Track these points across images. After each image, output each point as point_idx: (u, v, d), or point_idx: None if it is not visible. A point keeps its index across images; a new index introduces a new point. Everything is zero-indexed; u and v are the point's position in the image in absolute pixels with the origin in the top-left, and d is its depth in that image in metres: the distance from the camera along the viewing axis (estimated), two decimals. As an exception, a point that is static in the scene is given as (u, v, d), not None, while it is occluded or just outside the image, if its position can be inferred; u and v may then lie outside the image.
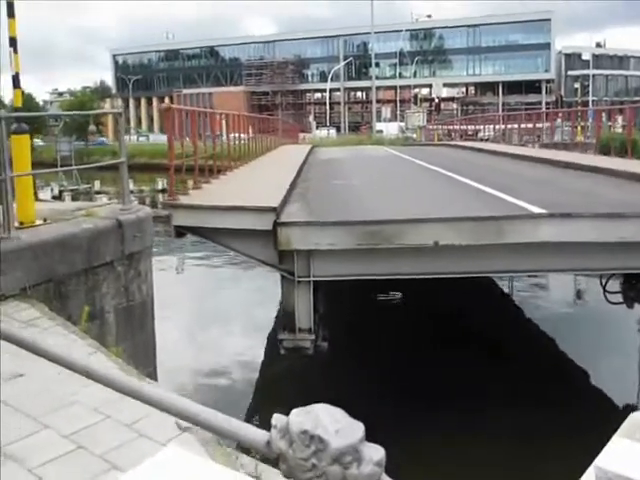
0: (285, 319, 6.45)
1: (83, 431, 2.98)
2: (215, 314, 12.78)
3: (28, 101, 74.77)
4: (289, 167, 12.83)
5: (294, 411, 1.02)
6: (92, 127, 40.90)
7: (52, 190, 30.61)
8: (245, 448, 3.64)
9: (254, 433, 1.09)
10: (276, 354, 9.75)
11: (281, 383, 8.44)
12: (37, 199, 23.34)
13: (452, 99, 76.99)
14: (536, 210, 6.35)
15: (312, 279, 6.24)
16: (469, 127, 33.30)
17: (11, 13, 5.56)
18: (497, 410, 6.79)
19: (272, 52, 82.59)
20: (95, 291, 5.72)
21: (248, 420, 7.30)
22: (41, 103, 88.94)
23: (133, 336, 6.20)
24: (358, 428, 0.98)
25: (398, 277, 6.73)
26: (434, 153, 20.79)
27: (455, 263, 6.34)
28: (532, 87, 72.10)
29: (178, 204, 6.98)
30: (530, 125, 22.98)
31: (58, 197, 29.88)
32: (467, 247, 6.04)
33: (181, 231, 6.95)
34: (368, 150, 25.97)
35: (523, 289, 13.61)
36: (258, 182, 10.57)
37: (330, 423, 0.96)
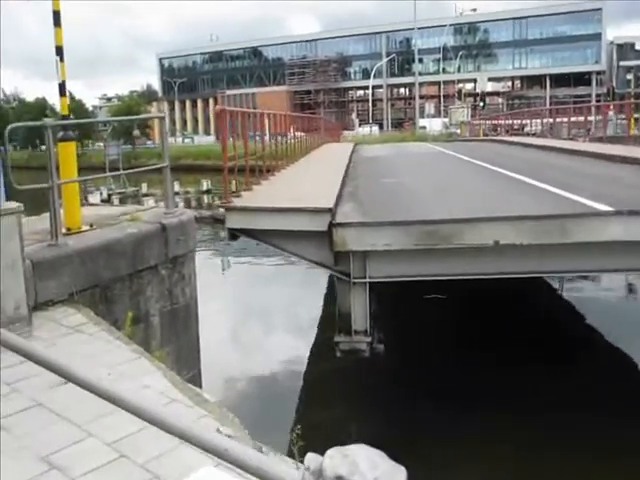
0: (341, 321, 6.36)
1: (125, 439, 2.99)
2: (259, 313, 12.82)
3: (78, 107, 77.06)
4: (336, 166, 12.76)
5: (329, 452, 0.95)
6: (136, 132, 41.81)
7: (101, 193, 31.28)
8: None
9: (285, 473, 1.03)
10: (321, 353, 9.79)
11: (326, 383, 8.40)
12: (87, 203, 23.99)
13: (497, 93, 75.43)
14: (601, 207, 6.08)
15: (368, 280, 6.15)
16: (515, 122, 32.53)
17: (57, 22, 5.67)
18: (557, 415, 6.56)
19: (314, 51, 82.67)
20: (140, 295, 5.79)
21: (294, 423, 7.31)
22: (90, 108, 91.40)
23: (177, 339, 6.26)
24: (399, 473, 0.90)
25: (457, 278, 6.55)
26: (480, 149, 20.37)
27: (516, 263, 6.15)
28: (581, 79, 70.03)
29: (232, 206, 6.96)
30: (580, 118, 22.26)
31: (107, 200, 30.59)
32: (528, 247, 5.84)
33: (235, 233, 6.95)
34: (412, 147, 25.68)
35: (575, 288, 13.18)
36: (307, 182, 10.53)
37: (368, 469, 0.89)
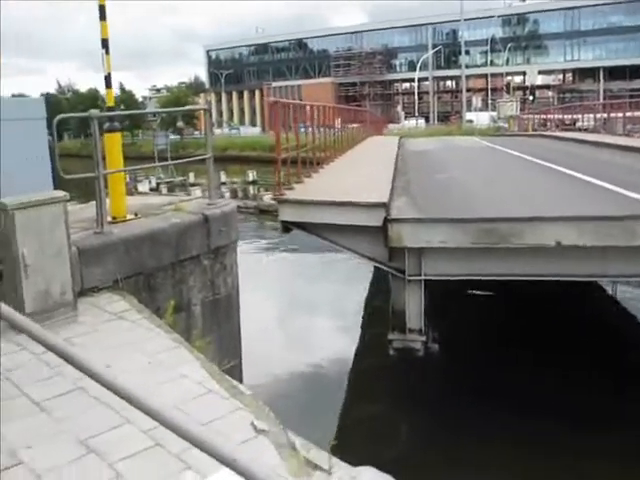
0: (394, 318, 6.27)
1: (161, 427, 3.00)
2: (302, 305, 12.85)
3: (129, 98, 78.87)
4: (384, 159, 12.64)
5: (338, 474, 0.91)
6: (180, 123, 42.48)
7: (150, 182, 31.90)
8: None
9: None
10: (367, 348, 9.73)
11: (371, 378, 8.34)
12: (137, 191, 24.39)
13: (547, 87, 73.40)
14: None
15: (423, 278, 6.04)
16: (566, 116, 31.59)
17: (103, 16, 5.76)
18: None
19: (360, 43, 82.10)
20: (182, 284, 5.86)
21: (341, 418, 7.30)
22: (140, 99, 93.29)
23: (219, 329, 6.31)
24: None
25: (516, 279, 6.34)
26: (530, 144, 19.83)
27: (577, 266, 5.91)
28: (638, 72, 67.43)
29: (285, 199, 6.90)
30: (637, 113, 21.43)
31: (155, 189, 31.19)
32: (591, 248, 5.62)
33: (288, 226, 6.91)
34: (459, 141, 25.23)
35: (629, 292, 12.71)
36: (358, 176, 10.44)
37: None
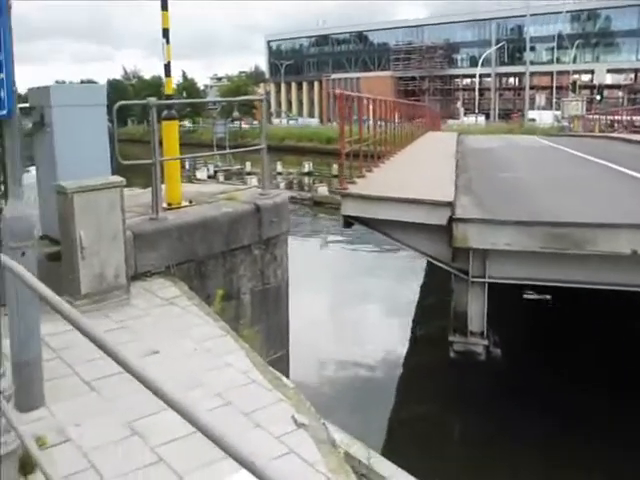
0: (456, 320, 6.15)
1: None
2: (353, 298, 12.81)
3: (190, 86, 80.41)
4: (444, 156, 12.42)
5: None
6: (236, 113, 42.95)
7: (208, 170, 32.47)
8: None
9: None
10: (418, 345, 9.60)
11: (422, 376, 8.25)
12: (195, 178, 24.94)
13: (617, 86, 70.43)
14: None
15: (487, 280, 5.91)
16: (636, 118, 30.22)
17: (165, 6, 5.84)
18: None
19: (421, 37, 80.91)
20: (232, 273, 5.91)
21: (390, 417, 7.24)
22: (202, 87, 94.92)
23: (267, 318, 6.35)
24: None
25: (588, 287, 6.08)
26: (596, 145, 19.03)
27: None
28: None
29: (348, 193, 6.86)
30: None
31: (213, 176, 31.75)
32: None
33: (349, 221, 6.89)
34: (520, 140, 24.49)
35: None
36: (419, 171, 10.29)
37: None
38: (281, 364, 6.40)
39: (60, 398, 3.20)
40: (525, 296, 10.89)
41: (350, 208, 6.73)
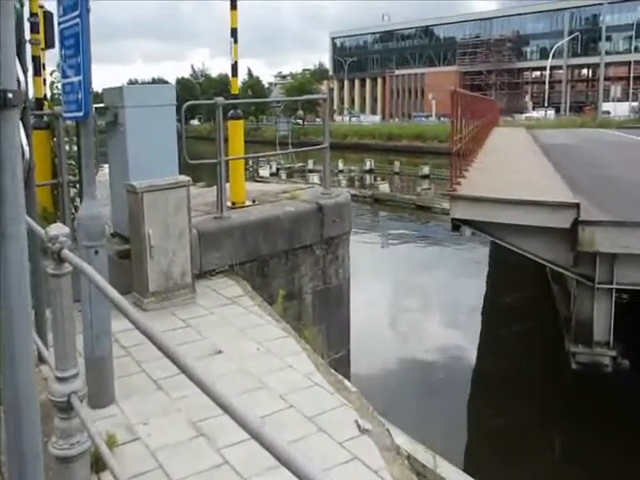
0: (578, 329, 5.90)
1: (267, 418, 3.05)
2: (415, 297, 12.65)
3: (255, 83, 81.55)
4: (528, 153, 11.91)
5: None
6: (300, 112, 43.24)
7: (271, 167, 32.87)
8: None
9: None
10: (489, 347, 9.32)
11: (498, 382, 7.97)
12: (258, 175, 25.34)
13: (702, 75, 66.58)
14: None
15: (615, 287, 5.62)
16: None
17: (234, 5, 5.89)
18: None
19: (489, 30, 78.92)
20: (294, 272, 5.93)
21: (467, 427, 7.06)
22: (266, 85, 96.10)
23: (329, 318, 6.34)
24: None
25: None
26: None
27: None
28: None
29: (459, 195, 6.57)
30: None
31: (275, 174, 32.11)
32: None
33: (457, 224, 6.63)
34: (598, 134, 23.30)
35: None
36: (515, 170, 9.78)
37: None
38: (342, 364, 6.38)
39: (129, 396, 3.28)
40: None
41: (460, 211, 6.44)
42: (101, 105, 5.00)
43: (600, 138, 20.25)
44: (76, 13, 2.82)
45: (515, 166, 10.50)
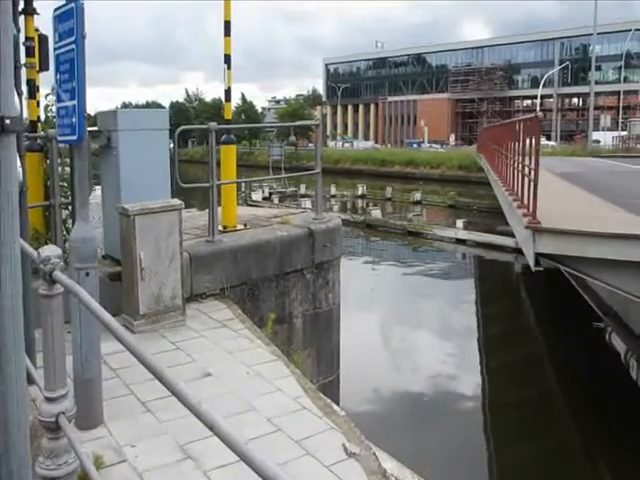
0: None
1: (255, 441, 3.06)
2: (407, 322, 12.65)
3: (249, 108, 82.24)
4: (554, 181, 11.66)
5: None
6: (292, 138, 43.60)
7: (263, 191, 33.00)
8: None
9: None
10: (496, 377, 9.27)
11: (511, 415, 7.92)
12: (251, 199, 25.40)
13: (689, 105, 67.73)
14: None
15: None
16: None
17: (227, 32, 6.00)
18: None
19: (481, 58, 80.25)
20: (285, 296, 5.96)
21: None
22: (260, 110, 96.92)
23: (318, 343, 6.35)
24: None
25: None
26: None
27: None
28: None
29: (543, 228, 6.00)
30: None
31: (268, 198, 32.22)
32: None
33: (540, 258, 6.07)
34: (594, 163, 23.06)
35: None
36: (564, 199, 9.19)
37: None
38: (332, 388, 6.38)
39: (117, 417, 3.28)
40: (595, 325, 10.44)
41: (545, 245, 5.92)
42: (95, 128, 5.06)
43: (601, 167, 20.22)
44: (72, 39, 2.89)
45: (556, 194, 9.80)
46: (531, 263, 6.09)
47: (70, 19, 2.93)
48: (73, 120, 2.98)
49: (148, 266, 4.59)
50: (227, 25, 6.15)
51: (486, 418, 8.09)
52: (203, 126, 5.93)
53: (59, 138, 3.21)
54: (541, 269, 6.12)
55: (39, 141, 5.18)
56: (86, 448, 2.80)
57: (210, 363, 4.02)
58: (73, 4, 2.89)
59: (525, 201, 7.08)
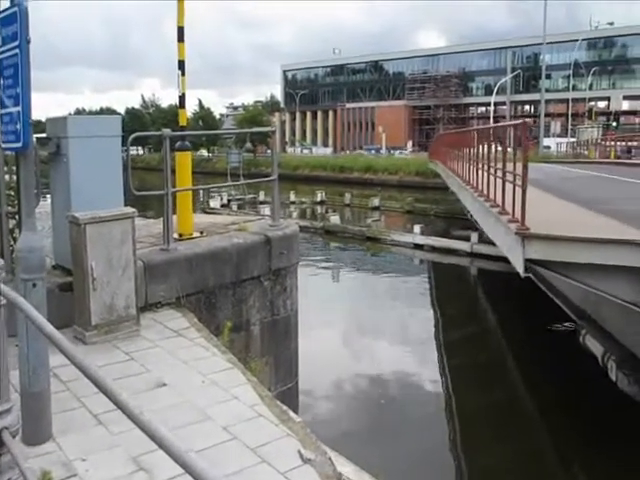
0: None
1: (210, 450, 3.02)
2: (365, 327, 12.72)
3: (207, 115, 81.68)
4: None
5: None
6: (248, 144, 43.48)
7: (222, 199, 32.74)
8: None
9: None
10: (459, 380, 9.32)
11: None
12: (208, 206, 25.22)
13: (634, 112, 70.34)
14: None
15: None
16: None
17: (181, 38, 5.96)
18: None
19: (436, 65, 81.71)
20: (242, 304, 5.92)
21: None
22: (218, 116, 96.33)
23: (276, 350, 6.33)
24: None
25: None
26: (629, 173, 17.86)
27: None
28: None
29: (533, 234, 5.98)
30: None
31: (226, 205, 31.99)
32: None
33: (530, 265, 6.04)
34: (548, 168, 23.30)
35: None
36: (536, 205, 9.22)
37: None
38: (290, 395, 6.36)
39: (67, 431, 3.20)
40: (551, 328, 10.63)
41: (534, 251, 5.91)
42: (43, 135, 4.94)
43: (556, 173, 20.36)
44: (15, 44, 2.82)
45: (529, 200, 10.06)
46: (520, 269, 6.06)
47: (13, 23, 2.86)
48: (17, 127, 2.90)
49: (100, 276, 4.50)
50: (180, 31, 6.11)
51: (452, 423, 8.17)
52: (157, 132, 5.86)
53: (3, 145, 3.13)
54: (530, 275, 6.11)
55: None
56: (33, 464, 2.73)
57: (165, 373, 3.96)
58: (16, 7, 2.83)
59: (507, 207, 7.08)
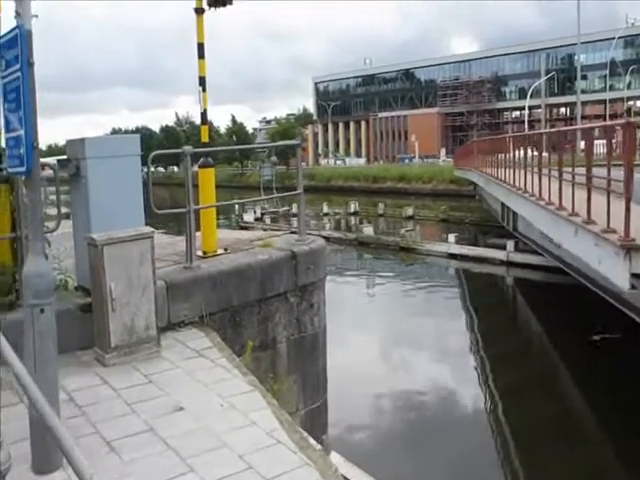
0: None
1: (228, 478, 2.89)
2: (401, 340, 12.46)
3: (239, 130, 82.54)
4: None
5: None
6: (274, 158, 43.74)
7: (255, 212, 32.90)
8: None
9: None
10: (508, 400, 9.02)
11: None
12: (242, 221, 25.39)
13: (675, 111, 68.26)
14: None
15: None
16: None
17: (201, 54, 5.91)
18: None
19: (468, 71, 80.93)
20: (268, 321, 5.78)
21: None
22: (251, 131, 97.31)
23: (304, 368, 6.16)
24: None
25: None
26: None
27: None
28: None
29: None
30: None
31: (260, 218, 32.14)
32: None
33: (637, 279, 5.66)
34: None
35: None
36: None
37: None
38: (319, 414, 6.19)
39: (78, 461, 3.10)
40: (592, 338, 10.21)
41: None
42: (64, 157, 4.93)
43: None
44: (16, 67, 2.76)
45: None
46: (625, 284, 5.67)
47: (15, 46, 2.81)
48: (21, 151, 2.84)
49: (119, 297, 4.43)
50: (201, 47, 6.07)
51: (505, 442, 7.85)
52: (177, 150, 5.80)
53: (9, 169, 3.07)
54: (636, 291, 5.73)
55: (4, 172, 5.04)
56: (38, 499, 2.62)
57: (183, 396, 3.85)
58: (17, 30, 2.77)
59: (593, 216, 6.72)
